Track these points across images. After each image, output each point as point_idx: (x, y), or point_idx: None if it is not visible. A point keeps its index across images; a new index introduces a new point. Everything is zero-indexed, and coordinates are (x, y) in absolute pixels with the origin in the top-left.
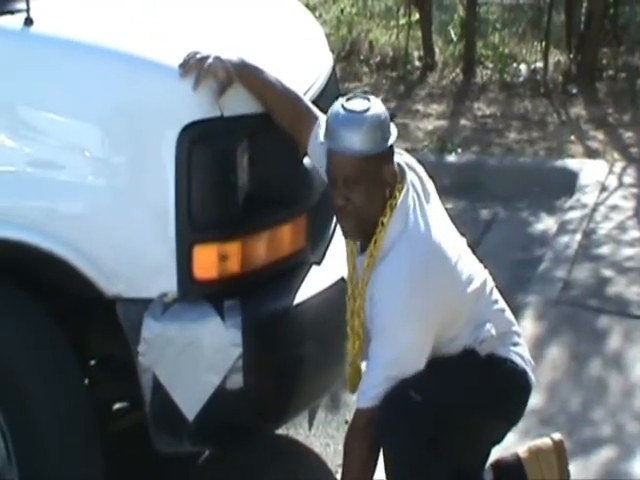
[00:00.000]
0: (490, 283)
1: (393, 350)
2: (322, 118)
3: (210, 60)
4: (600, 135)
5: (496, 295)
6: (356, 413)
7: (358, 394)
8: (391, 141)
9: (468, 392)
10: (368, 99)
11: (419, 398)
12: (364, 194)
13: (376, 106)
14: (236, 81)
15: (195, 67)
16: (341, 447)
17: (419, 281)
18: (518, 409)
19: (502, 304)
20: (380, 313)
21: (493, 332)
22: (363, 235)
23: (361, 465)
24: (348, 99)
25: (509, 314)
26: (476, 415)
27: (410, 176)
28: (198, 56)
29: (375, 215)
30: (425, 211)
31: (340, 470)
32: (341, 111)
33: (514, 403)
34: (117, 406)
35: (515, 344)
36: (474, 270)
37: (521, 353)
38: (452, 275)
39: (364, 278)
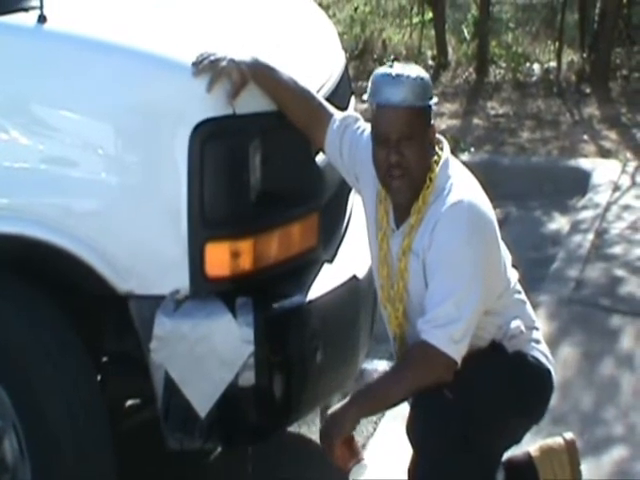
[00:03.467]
0: (516, 274)
1: (456, 280)
2: (337, 115)
3: (224, 62)
4: (613, 135)
5: (520, 287)
6: (416, 344)
7: (420, 327)
8: (434, 100)
9: (498, 389)
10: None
11: (451, 395)
12: (417, 150)
13: (419, 69)
14: (250, 81)
15: (209, 69)
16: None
17: (478, 217)
18: (542, 407)
19: (525, 297)
20: (443, 246)
21: (523, 329)
22: (413, 193)
23: (402, 389)
24: (391, 65)
25: (530, 308)
26: (505, 412)
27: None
28: (212, 58)
29: (424, 172)
30: (463, 168)
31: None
32: (390, 71)
33: (539, 401)
34: (129, 403)
35: (537, 341)
36: (506, 252)
37: (544, 351)
38: (497, 233)
39: (408, 240)
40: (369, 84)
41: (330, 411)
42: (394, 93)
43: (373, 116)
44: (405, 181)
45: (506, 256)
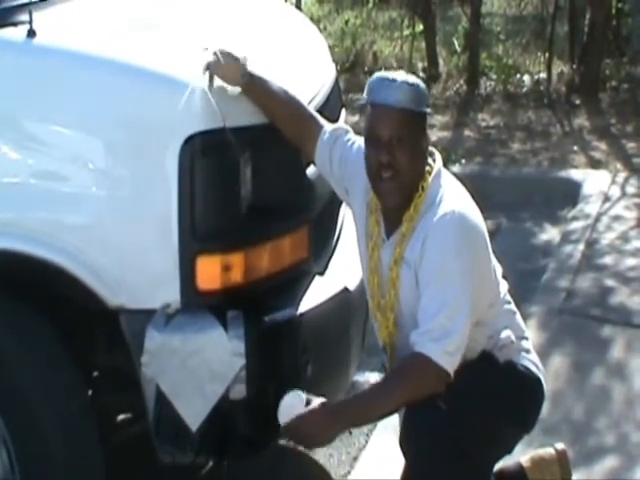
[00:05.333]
0: (506, 284)
1: (448, 292)
2: (327, 127)
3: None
4: (603, 146)
5: (510, 298)
6: (410, 356)
7: (414, 339)
8: (428, 109)
9: (490, 398)
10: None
11: (445, 407)
12: (408, 153)
13: (416, 78)
14: (241, 80)
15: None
16: (344, 457)
17: (468, 229)
18: (534, 416)
19: (515, 307)
20: (434, 259)
21: (513, 338)
22: (403, 198)
23: (393, 400)
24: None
25: (520, 318)
26: (497, 422)
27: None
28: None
29: (416, 179)
30: (454, 179)
31: None
32: (388, 75)
33: (531, 410)
34: (120, 417)
35: (528, 351)
36: (496, 263)
37: (535, 361)
38: (487, 244)
39: (399, 249)
40: (366, 86)
41: (309, 410)
42: (390, 94)
43: (367, 116)
44: (395, 184)
45: (496, 266)
